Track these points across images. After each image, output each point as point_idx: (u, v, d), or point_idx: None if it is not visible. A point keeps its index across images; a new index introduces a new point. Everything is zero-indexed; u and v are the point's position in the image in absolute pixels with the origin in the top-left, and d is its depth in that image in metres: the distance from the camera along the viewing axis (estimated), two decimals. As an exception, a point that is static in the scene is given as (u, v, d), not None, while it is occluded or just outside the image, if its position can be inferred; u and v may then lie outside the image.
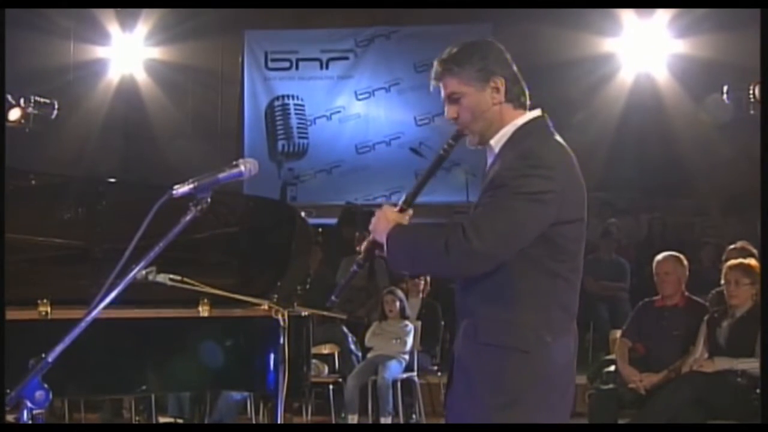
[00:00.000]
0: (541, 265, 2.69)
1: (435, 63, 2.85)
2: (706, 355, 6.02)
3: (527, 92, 2.86)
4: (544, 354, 2.70)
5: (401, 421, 8.10)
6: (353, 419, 7.96)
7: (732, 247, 7.17)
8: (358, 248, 3.06)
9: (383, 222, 2.82)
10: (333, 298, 3.15)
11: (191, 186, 2.47)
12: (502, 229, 2.63)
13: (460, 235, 2.60)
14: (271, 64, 14.07)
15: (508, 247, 2.64)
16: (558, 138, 2.82)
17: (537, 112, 2.85)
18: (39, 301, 4.64)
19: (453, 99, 2.82)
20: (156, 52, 13.78)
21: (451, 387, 2.85)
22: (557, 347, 2.74)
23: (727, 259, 6.46)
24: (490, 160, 2.85)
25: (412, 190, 2.93)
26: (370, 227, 2.87)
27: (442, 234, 2.67)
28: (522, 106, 2.84)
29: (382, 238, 2.80)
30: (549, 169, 2.67)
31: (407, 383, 8.26)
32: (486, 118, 2.80)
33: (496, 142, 2.81)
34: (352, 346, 8.53)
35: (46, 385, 2.33)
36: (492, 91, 2.79)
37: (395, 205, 2.89)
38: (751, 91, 10.74)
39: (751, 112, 10.76)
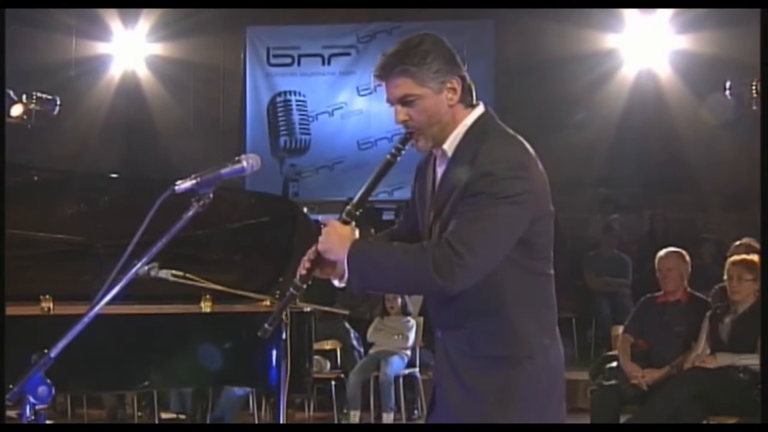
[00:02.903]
0: (523, 267, 2.63)
1: (384, 60, 2.66)
2: (708, 351, 6.02)
3: (474, 89, 2.71)
4: (545, 357, 2.68)
5: (403, 416, 8.11)
6: (355, 415, 7.96)
7: (737, 243, 7.18)
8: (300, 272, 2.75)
9: (336, 240, 2.62)
10: (266, 326, 2.80)
11: (194, 182, 2.46)
12: (491, 239, 2.53)
13: (448, 251, 2.45)
14: (272, 60, 14.06)
15: (498, 255, 2.56)
16: (509, 130, 2.70)
17: (481, 108, 2.72)
18: (41, 297, 4.64)
19: (406, 101, 2.64)
20: (158, 49, 13.78)
21: (442, 405, 2.75)
22: (554, 348, 2.73)
23: (731, 255, 6.46)
24: (441, 165, 2.73)
25: (356, 200, 2.73)
26: (320, 247, 2.66)
27: (420, 251, 2.51)
28: (470, 105, 2.70)
29: (339, 257, 2.62)
30: (523, 169, 2.57)
31: (409, 379, 8.27)
32: (441, 121, 2.66)
33: (449, 145, 2.68)
34: (354, 342, 8.54)
35: (48, 381, 2.34)
36: (448, 92, 2.65)
37: (345, 222, 2.68)
38: (753, 87, 10.73)
39: (754, 107, 10.75)
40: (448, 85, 2.65)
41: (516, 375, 2.62)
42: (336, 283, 2.79)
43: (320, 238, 2.67)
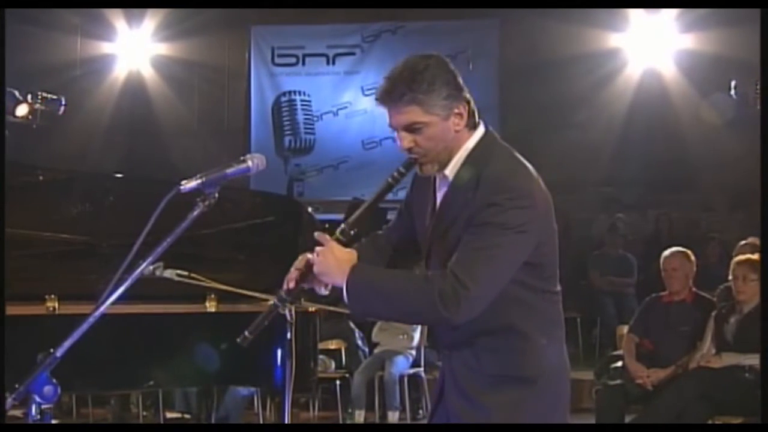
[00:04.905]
0: (531, 286, 2.62)
1: (389, 85, 2.59)
2: (713, 351, 6.01)
3: (477, 112, 2.67)
4: (554, 375, 2.67)
5: (408, 416, 8.11)
6: (360, 414, 7.97)
7: (743, 242, 7.17)
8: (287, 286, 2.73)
9: (334, 264, 2.57)
10: (246, 334, 2.78)
11: (199, 181, 2.46)
12: (496, 269, 2.52)
13: (454, 282, 2.44)
14: (277, 60, 14.07)
15: (502, 284, 2.54)
16: (510, 149, 2.67)
17: (482, 130, 2.67)
18: (46, 297, 4.64)
19: (413, 129, 2.59)
20: (162, 48, 13.79)
21: (444, 411, 2.73)
22: (563, 365, 2.73)
23: (737, 255, 6.45)
24: (441, 187, 2.70)
25: (353, 219, 2.67)
26: (316, 269, 2.61)
27: (425, 282, 2.51)
28: (474, 127, 2.66)
29: (336, 282, 2.58)
30: (527, 198, 2.54)
31: (414, 378, 8.27)
32: (447, 147, 2.62)
33: (451, 169, 2.65)
34: (359, 342, 8.54)
35: (54, 380, 2.34)
36: (455, 117, 2.60)
37: (340, 241, 2.63)
38: (758, 86, 10.71)
39: (758, 107, 10.73)
40: (455, 111, 2.60)
41: (526, 394, 2.62)
42: (322, 291, 2.76)
43: (316, 259, 2.62)
